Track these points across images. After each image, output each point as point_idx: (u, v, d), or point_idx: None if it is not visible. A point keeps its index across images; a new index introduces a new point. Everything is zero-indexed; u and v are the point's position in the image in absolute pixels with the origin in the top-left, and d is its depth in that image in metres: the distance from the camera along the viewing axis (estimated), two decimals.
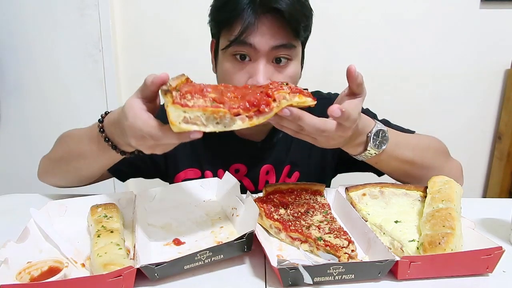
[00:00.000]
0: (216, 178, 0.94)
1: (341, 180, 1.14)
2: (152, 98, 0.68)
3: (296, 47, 0.90)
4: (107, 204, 0.81)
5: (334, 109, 0.66)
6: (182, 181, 1.03)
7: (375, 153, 0.82)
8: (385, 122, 1.05)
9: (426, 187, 0.82)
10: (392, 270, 0.61)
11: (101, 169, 0.91)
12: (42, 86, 2.02)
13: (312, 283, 0.58)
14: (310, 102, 0.67)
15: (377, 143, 0.81)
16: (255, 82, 0.86)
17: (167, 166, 1.08)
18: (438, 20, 1.97)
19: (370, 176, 0.94)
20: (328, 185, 1.17)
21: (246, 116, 0.62)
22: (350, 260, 0.64)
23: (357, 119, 0.71)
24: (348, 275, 0.60)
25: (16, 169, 2.01)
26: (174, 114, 0.58)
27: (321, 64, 1.97)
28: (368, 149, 0.81)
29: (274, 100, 0.63)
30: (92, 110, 2.02)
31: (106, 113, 0.81)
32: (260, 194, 0.86)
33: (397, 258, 0.61)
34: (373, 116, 1.07)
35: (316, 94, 1.11)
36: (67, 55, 1.97)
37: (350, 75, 0.70)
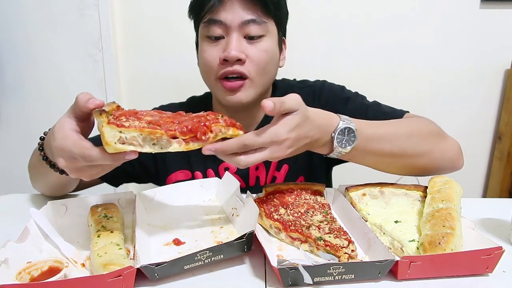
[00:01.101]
0: (216, 178, 0.94)
1: (341, 180, 1.14)
2: (84, 118, 0.66)
3: (267, 23, 0.93)
4: (107, 204, 0.81)
5: (206, 148, 0.65)
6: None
7: (344, 151, 0.78)
8: (376, 105, 1.03)
9: (426, 187, 0.82)
10: (392, 270, 0.61)
11: (58, 183, 0.89)
12: (42, 86, 2.01)
13: (312, 283, 0.58)
14: (242, 135, 0.69)
15: (343, 141, 0.76)
16: (226, 54, 0.89)
17: (157, 169, 1.07)
18: (438, 20, 1.97)
19: (370, 176, 0.94)
20: (329, 181, 1.17)
21: (183, 139, 0.64)
22: (350, 260, 0.64)
23: (273, 138, 0.67)
24: (348, 275, 0.60)
25: (16, 169, 2.01)
26: (109, 134, 0.58)
27: (321, 64, 1.97)
28: (333, 148, 0.77)
29: (211, 131, 0.66)
30: None
31: (49, 130, 0.78)
32: (260, 194, 0.86)
33: (397, 258, 0.61)
34: (361, 98, 1.05)
35: (302, 83, 1.12)
36: (67, 55, 1.97)
37: (265, 112, 0.67)
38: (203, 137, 0.65)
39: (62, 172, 0.78)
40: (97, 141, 0.62)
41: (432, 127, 0.94)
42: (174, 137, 0.63)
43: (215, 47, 0.92)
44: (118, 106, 0.67)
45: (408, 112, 1.01)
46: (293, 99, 0.70)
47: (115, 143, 0.58)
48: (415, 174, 0.91)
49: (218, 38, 0.92)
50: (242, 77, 0.93)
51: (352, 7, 1.95)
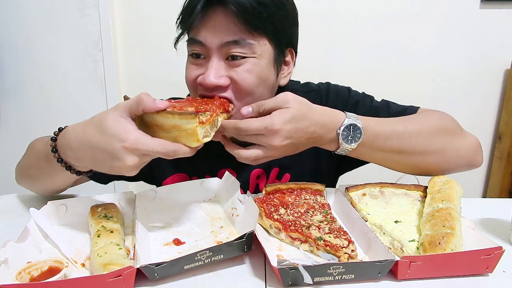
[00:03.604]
0: (216, 178, 0.94)
1: (341, 180, 1.14)
2: (135, 117, 0.68)
3: (253, 44, 0.83)
4: (107, 204, 0.81)
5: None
6: None
7: (350, 148, 0.79)
8: (386, 105, 1.01)
9: (426, 187, 0.82)
10: (392, 270, 0.61)
11: (64, 184, 0.89)
12: (42, 86, 2.02)
13: (312, 283, 0.58)
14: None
15: (349, 138, 0.78)
16: (201, 81, 0.84)
17: (152, 171, 1.05)
18: (438, 20, 1.97)
19: (370, 176, 0.94)
20: (334, 186, 1.16)
21: (220, 112, 0.76)
22: (350, 260, 0.64)
23: (266, 129, 0.72)
24: (348, 275, 0.60)
25: None
26: (200, 132, 0.66)
27: (320, 63, 1.97)
28: (340, 145, 0.78)
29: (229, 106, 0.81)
30: (92, 110, 2.00)
31: (59, 130, 0.76)
32: (260, 194, 0.86)
33: (397, 258, 0.61)
34: (370, 100, 1.03)
35: (305, 86, 1.10)
36: (67, 55, 1.97)
37: (244, 116, 0.76)
38: (229, 109, 0.79)
39: (79, 173, 0.77)
40: None
41: (447, 122, 0.90)
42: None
43: (196, 67, 0.87)
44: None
45: (419, 107, 0.98)
46: (278, 97, 0.75)
47: (202, 138, 0.67)
48: (428, 174, 0.88)
49: (199, 58, 0.86)
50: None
51: (351, 7, 1.95)
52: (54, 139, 0.76)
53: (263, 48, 0.86)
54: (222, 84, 0.83)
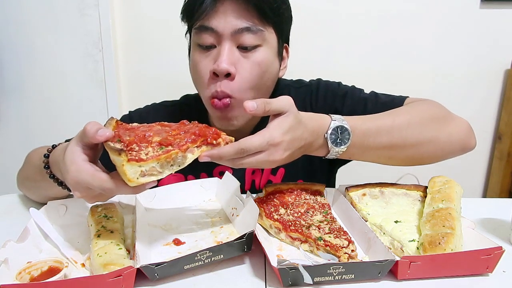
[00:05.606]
0: (216, 178, 0.94)
1: (341, 180, 1.14)
2: (93, 146, 0.65)
3: (264, 31, 0.86)
4: (107, 204, 0.81)
5: (203, 155, 0.65)
6: None
7: (340, 150, 0.76)
8: (374, 96, 1.01)
9: (426, 187, 0.82)
10: (392, 270, 0.61)
11: (60, 195, 0.86)
12: (42, 86, 2.02)
13: (312, 283, 0.58)
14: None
15: (337, 141, 0.75)
16: (215, 67, 0.83)
17: None
18: (438, 20, 1.97)
19: (370, 176, 0.94)
20: (333, 183, 1.16)
21: (195, 147, 0.64)
22: (350, 260, 0.64)
23: (265, 143, 0.66)
24: (348, 275, 0.60)
25: (16, 169, 2.01)
26: (130, 171, 0.58)
27: (319, 64, 1.97)
28: (329, 149, 0.76)
29: (220, 136, 0.67)
30: (92, 110, 2.02)
31: (53, 146, 0.77)
32: (260, 194, 0.86)
33: (397, 258, 0.61)
34: (359, 92, 1.03)
35: (297, 82, 1.10)
36: (67, 55, 1.97)
37: (247, 112, 0.67)
38: (214, 142, 0.66)
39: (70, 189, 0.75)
40: (107, 162, 0.64)
41: (435, 110, 0.89)
42: (186, 149, 0.63)
43: (206, 58, 0.87)
44: (117, 121, 0.68)
45: (408, 97, 0.97)
46: (282, 100, 0.69)
47: (137, 178, 0.59)
48: (423, 163, 0.86)
49: (209, 47, 0.87)
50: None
51: (351, 7, 1.95)
52: (46, 156, 0.77)
53: (271, 36, 0.89)
54: (232, 72, 0.84)
